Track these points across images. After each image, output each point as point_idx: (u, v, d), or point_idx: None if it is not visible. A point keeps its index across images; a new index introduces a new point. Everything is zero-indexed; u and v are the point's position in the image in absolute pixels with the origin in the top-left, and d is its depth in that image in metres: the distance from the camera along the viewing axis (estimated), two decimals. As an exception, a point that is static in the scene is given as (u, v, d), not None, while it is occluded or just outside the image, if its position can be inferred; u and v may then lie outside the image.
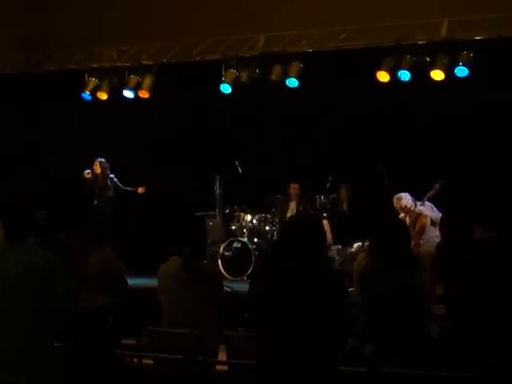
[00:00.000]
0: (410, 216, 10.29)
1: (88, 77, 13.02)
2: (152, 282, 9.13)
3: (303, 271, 4.38)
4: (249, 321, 4.69)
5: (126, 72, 12.89)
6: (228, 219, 12.39)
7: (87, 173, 12.19)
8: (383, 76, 11.25)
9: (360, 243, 10.24)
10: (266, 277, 4.62)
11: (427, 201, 10.27)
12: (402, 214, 10.36)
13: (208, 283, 6.49)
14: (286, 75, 11.85)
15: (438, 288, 5.65)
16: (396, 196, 10.46)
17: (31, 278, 4.79)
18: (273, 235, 12.15)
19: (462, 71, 10.86)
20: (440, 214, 10.17)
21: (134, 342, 7.39)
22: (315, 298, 4.32)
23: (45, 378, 4.82)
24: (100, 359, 5.85)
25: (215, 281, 6.76)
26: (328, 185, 11.94)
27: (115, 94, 12.96)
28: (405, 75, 11.18)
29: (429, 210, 10.20)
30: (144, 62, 12.72)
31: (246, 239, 11.89)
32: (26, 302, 4.79)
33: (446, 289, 4.82)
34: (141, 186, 12.34)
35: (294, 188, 12.24)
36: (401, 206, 10.40)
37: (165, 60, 12.57)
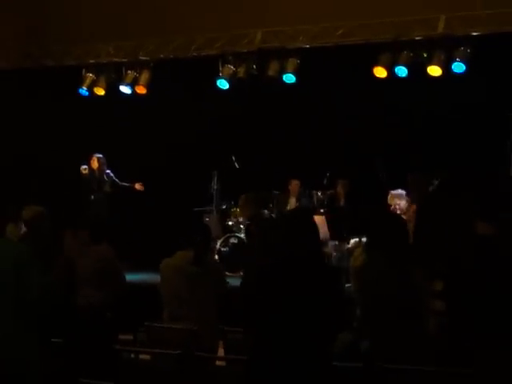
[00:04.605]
0: (404, 214, 10.24)
1: (85, 72, 13.01)
2: (149, 277, 9.12)
3: (299, 263, 4.39)
4: (244, 314, 4.68)
5: (123, 67, 12.88)
6: (225, 215, 12.39)
7: (84, 168, 12.16)
8: (380, 72, 11.25)
9: (357, 239, 10.21)
10: (261, 269, 4.62)
11: None
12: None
13: (215, 278, 6.52)
14: (283, 71, 11.84)
15: (436, 284, 5.65)
16: (392, 193, 10.39)
17: (5, 271, 4.75)
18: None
19: (459, 67, 10.85)
20: None
21: (130, 337, 7.40)
22: (310, 288, 4.33)
23: (25, 370, 4.81)
24: (97, 354, 5.85)
25: (222, 277, 6.83)
26: (325, 181, 11.95)
27: (112, 89, 12.95)
28: (402, 71, 11.18)
29: None
30: (141, 58, 12.69)
31: (242, 235, 11.88)
32: (3, 295, 4.76)
33: (447, 284, 4.83)
34: (138, 182, 12.31)
35: (295, 184, 12.24)
36: (394, 206, 10.35)
37: (162, 55, 12.54)
